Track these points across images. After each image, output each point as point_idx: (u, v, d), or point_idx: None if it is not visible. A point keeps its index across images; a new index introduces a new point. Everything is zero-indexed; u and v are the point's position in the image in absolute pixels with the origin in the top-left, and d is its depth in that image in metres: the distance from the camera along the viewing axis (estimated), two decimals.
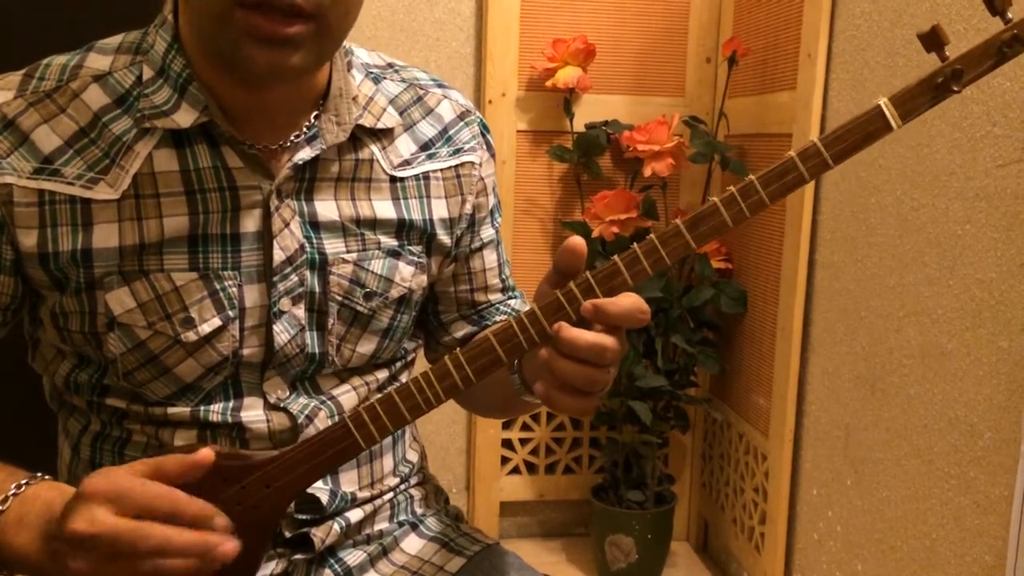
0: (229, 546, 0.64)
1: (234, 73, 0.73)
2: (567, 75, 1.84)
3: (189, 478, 0.66)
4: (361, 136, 0.83)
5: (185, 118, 0.75)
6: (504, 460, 2.07)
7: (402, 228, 0.85)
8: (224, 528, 0.65)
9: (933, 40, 0.65)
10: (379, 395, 0.76)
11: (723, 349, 1.97)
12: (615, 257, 0.68)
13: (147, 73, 0.77)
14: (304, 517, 0.84)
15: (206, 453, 0.66)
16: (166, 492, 0.64)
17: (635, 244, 0.68)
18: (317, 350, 0.83)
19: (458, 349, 0.71)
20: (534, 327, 0.69)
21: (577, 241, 0.69)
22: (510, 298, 0.98)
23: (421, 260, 0.87)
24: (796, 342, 1.65)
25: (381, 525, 0.91)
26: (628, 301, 0.68)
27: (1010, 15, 0.64)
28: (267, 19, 0.67)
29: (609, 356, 0.68)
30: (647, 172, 1.84)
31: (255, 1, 0.67)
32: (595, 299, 0.68)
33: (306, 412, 0.83)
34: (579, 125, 1.92)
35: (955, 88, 0.65)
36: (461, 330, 0.95)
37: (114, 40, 0.81)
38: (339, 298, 0.82)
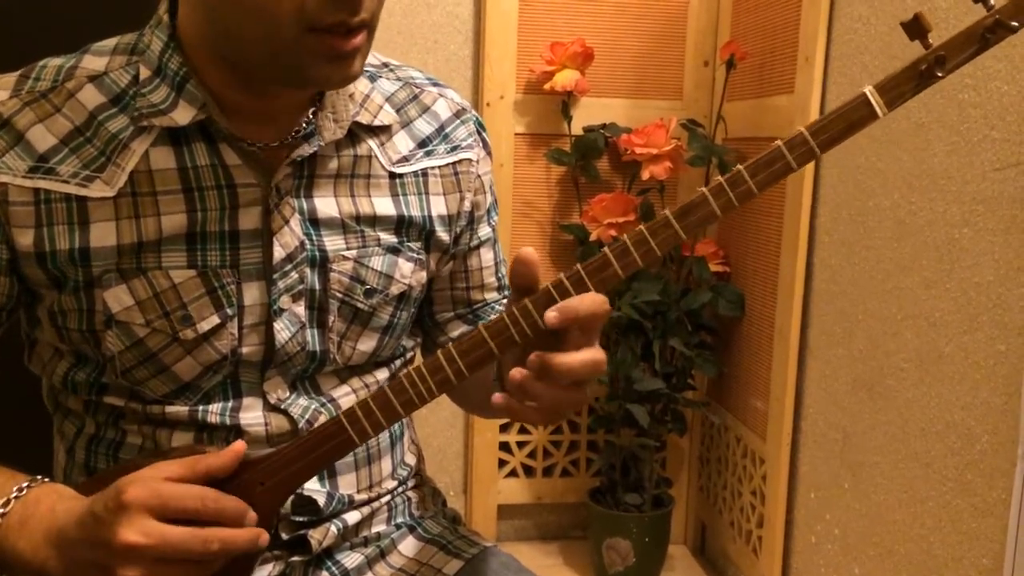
0: (266, 536, 0.69)
1: (300, 87, 0.75)
2: (565, 78, 1.84)
3: (228, 471, 0.70)
4: (359, 132, 0.83)
5: (183, 116, 0.75)
6: (502, 463, 2.07)
7: (401, 224, 0.85)
8: (254, 521, 0.70)
9: (916, 28, 0.66)
10: None
11: (721, 352, 1.97)
12: (605, 249, 0.69)
13: (144, 73, 0.77)
14: (301, 519, 0.84)
15: (240, 443, 0.71)
16: (209, 494, 0.68)
17: (624, 235, 0.68)
18: (318, 348, 0.83)
19: (450, 343, 0.71)
20: (526, 320, 0.69)
21: (526, 252, 0.69)
22: (505, 297, 0.98)
23: (420, 256, 0.87)
24: (794, 345, 1.65)
25: (379, 527, 0.91)
26: (590, 296, 0.68)
27: (992, 1, 0.65)
28: (337, 38, 0.69)
29: (601, 367, 0.69)
30: (645, 175, 1.84)
31: (330, 24, 0.67)
32: (555, 305, 0.67)
33: (307, 416, 0.83)
34: (577, 128, 1.93)
35: (939, 74, 0.65)
36: (456, 330, 0.95)
37: (109, 42, 0.81)
38: (339, 295, 0.82)
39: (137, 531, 0.64)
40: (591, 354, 0.68)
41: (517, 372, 0.67)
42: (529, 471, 2.09)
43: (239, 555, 0.70)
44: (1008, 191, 1.14)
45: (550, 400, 0.68)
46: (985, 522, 1.17)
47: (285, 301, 0.80)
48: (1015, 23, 0.63)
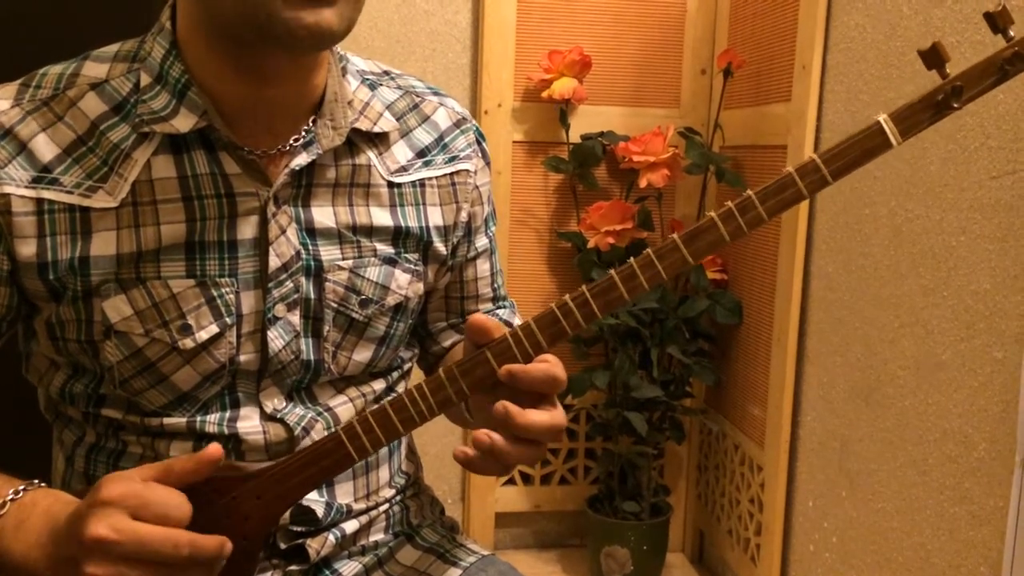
0: (229, 546, 0.68)
1: (277, 42, 0.71)
2: (563, 86, 1.84)
3: (201, 476, 0.68)
4: (357, 141, 0.83)
5: (184, 123, 0.75)
6: None
7: (398, 235, 0.85)
8: (229, 550, 0.69)
9: (934, 58, 0.65)
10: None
11: (718, 360, 1.98)
12: (611, 271, 0.68)
13: (144, 80, 0.77)
14: (299, 528, 0.83)
15: (215, 448, 0.69)
16: (183, 502, 0.66)
17: (632, 259, 0.68)
18: (313, 357, 0.83)
19: (453, 362, 0.71)
20: (529, 340, 0.69)
21: (479, 318, 0.71)
22: (499, 308, 0.98)
23: (417, 268, 0.87)
24: (791, 353, 1.65)
25: (376, 536, 0.91)
26: (543, 367, 0.70)
27: (1012, 32, 0.64)
28: None
29: (560, 434, 0.72)
30: (643, 183, 1.85)
31: None
32: (511, 366, 0.69)
33: (303, 424, 0.82)
34: (575, 136, 1.93)
35: (955, 105, 0.64)
36: (448, 339, 0.96)
37: (110, 49, 0.81)
38: (334, 305, 0.82)
39: (107, 526, 0.62)
40: (553, 418, 0.70)
41: (485, 435, 0.69)
42: (527, 479, 2.09)
43: (230, 568, 0.70)
44: (1005, 199, 1.14)
45: (514, 458, 0.70)
46: (983, 530, 1.17)
47: (280, 309, 0.80)
48: None
